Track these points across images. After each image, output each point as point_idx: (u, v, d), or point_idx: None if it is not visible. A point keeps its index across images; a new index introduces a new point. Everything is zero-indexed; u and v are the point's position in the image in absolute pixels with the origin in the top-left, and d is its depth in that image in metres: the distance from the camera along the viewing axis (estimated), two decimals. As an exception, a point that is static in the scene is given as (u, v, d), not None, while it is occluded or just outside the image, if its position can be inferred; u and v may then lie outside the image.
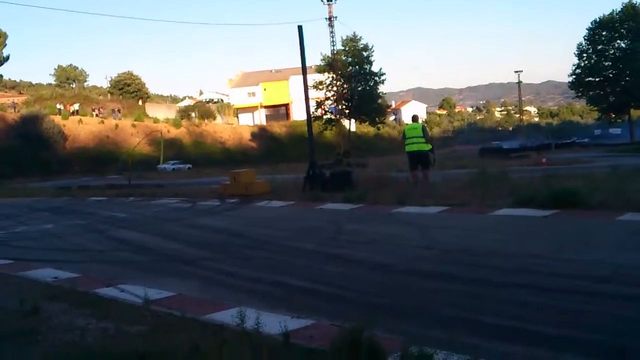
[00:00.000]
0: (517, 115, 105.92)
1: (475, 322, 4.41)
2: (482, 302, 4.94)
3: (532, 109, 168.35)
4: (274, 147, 74.96)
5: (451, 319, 4.53)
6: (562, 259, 6.25)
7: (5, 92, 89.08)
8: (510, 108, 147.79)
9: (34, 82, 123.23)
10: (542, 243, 7.28)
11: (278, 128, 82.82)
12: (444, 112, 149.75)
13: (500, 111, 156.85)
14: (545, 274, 5.71)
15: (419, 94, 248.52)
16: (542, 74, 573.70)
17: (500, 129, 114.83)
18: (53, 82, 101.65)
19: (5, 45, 66.74)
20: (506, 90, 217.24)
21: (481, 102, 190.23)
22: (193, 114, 79.44)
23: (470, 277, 5.85)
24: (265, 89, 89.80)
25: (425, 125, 17.06)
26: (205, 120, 78.31)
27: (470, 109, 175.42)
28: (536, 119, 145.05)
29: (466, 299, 5.08)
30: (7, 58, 68.30)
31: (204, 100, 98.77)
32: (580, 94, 61.05)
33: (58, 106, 66.37)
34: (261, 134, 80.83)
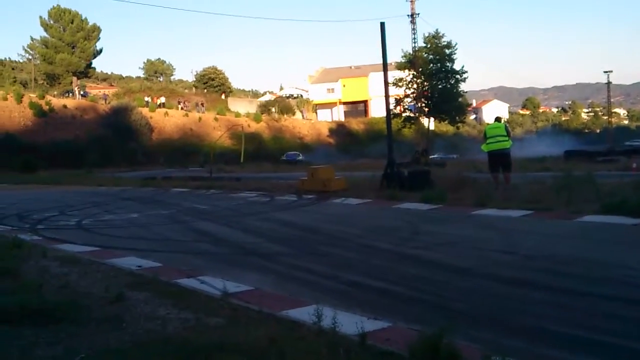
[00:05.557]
0: (605, 117, 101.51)
1: (558, 333, 4.26)
2: (565, 313, 4.75)
3: (622, 111, 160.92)
4: (352, 143, 74.91)
5: (532, 328, 4.39)
6: (653, 271, 5.94)
7: (97, 84, 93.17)
8: (598, 109, 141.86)
9: (124, 75, 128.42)
10: (631, 252, 6.96)
11: (356, 125, 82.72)
12: (527, 112, 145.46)
13: (587, 112, 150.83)
14: (634, 285, 5.45)
15: (502, 92, 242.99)
16: (634, 74, 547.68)
17: (586, 131, 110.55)
18: (142, 75, 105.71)
19: (99, 38, 69.85)
20: (594, 91, 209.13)
21: (567, 102, 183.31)
22: (273, 109, 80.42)
23: (554, 285, 5.65)
24: (344, 85, 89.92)
25: (508, 124, 16.70)
26: (285, 116, 79.15)
27: (555, 110, 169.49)
28: (625, 122, 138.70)
29: (548, 308, 4.91)
30: (100, 51, 71.47)
31: (284, 96, 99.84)
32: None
33: (146, 99, 68.75)
34: (339, 130, 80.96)
